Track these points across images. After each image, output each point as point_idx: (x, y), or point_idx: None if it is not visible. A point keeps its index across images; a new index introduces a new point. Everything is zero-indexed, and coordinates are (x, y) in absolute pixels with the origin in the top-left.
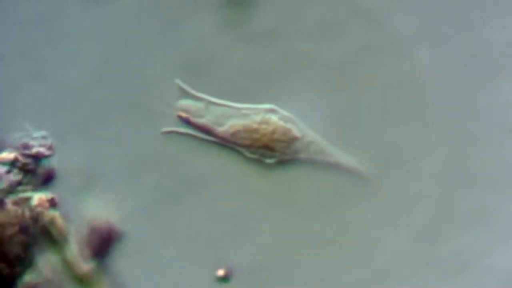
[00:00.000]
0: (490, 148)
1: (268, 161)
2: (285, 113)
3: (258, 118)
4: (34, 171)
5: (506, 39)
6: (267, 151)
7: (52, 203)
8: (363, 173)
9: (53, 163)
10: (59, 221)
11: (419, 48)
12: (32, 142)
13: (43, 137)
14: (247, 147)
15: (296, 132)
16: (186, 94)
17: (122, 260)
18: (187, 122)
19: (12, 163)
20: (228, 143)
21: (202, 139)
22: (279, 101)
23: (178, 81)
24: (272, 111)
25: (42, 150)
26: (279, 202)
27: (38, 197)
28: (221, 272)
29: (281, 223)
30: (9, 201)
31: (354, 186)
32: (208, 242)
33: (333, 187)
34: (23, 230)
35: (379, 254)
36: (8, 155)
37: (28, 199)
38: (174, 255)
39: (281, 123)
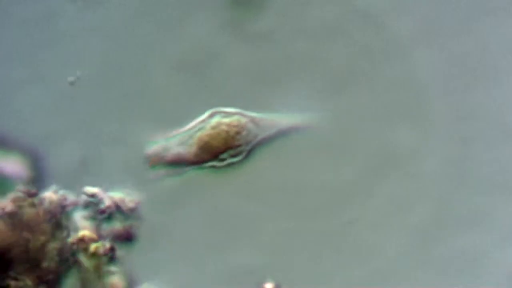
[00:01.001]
0: (490, 148)
1: (237, 159)
2: (226, 109)
3: (208, 126)
4: (109, 217)
5: (506, 39)
6: (232, 150)
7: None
8: (314, 125)
9: (135, 224)
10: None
11: (419, 49)
12: (119, 193)
13: (134, 194)
14: (214, 157)
15: (243, 119)
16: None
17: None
18: (163, 164)
19: (92, 198)
20: (199, 164)
21: (182, 171)
22: (278, 101)
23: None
24: (215, 113)
25: (127, 201)
26: (266, 200)
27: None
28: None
29: (275, 222)
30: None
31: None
32: (207, 246)
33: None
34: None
35: (379, 254)
36: (93, 189)
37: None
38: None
39: (229, 119)
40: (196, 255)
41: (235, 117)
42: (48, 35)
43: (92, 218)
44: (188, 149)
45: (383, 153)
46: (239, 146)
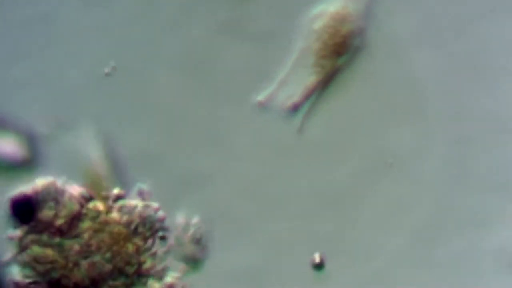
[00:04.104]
0: (490, 149)
1: (360, 40)
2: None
3: (315, 31)
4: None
5: (505, 39)
6: (352, 36)
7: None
8: None
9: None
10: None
11: (418, 49)
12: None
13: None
14: (339, 54)
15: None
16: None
17: None
18: (297, 107)
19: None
20: (332, 76)
21: (318, 97)
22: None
23: (258, 98)
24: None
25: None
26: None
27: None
28: (317, 259)
29: (274, 222)
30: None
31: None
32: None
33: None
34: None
35: (378, 255)
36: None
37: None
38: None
39: (331, 9)
40: None
41: (337, 5)
42: (48, 35)
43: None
44: (312, 72)
45: (382, 153)
46: (355, 29)
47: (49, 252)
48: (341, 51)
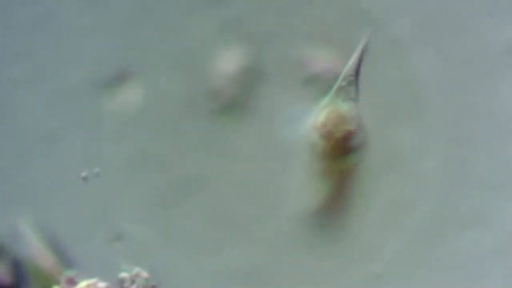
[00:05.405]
0: (490, 148)
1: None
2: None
3: (313, 139)
4: None
5: (505, 39)
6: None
7: None
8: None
9: None
10: None
11: (418, 49)
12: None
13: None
14: (342, 157)
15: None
16: None
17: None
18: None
19: None
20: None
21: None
22: (279, 101)
23: None
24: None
25: None
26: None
27: None
28: None
29: (274, 222)
30: None
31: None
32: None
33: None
34: None
35: (378, 255)
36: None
37: None
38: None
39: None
40: None
41: (326, 111)
42: (48, 35)
43: None
44: (323, 183)
45: (383, 153)
46: (351, 130)
47: None
48: (343, 155)
